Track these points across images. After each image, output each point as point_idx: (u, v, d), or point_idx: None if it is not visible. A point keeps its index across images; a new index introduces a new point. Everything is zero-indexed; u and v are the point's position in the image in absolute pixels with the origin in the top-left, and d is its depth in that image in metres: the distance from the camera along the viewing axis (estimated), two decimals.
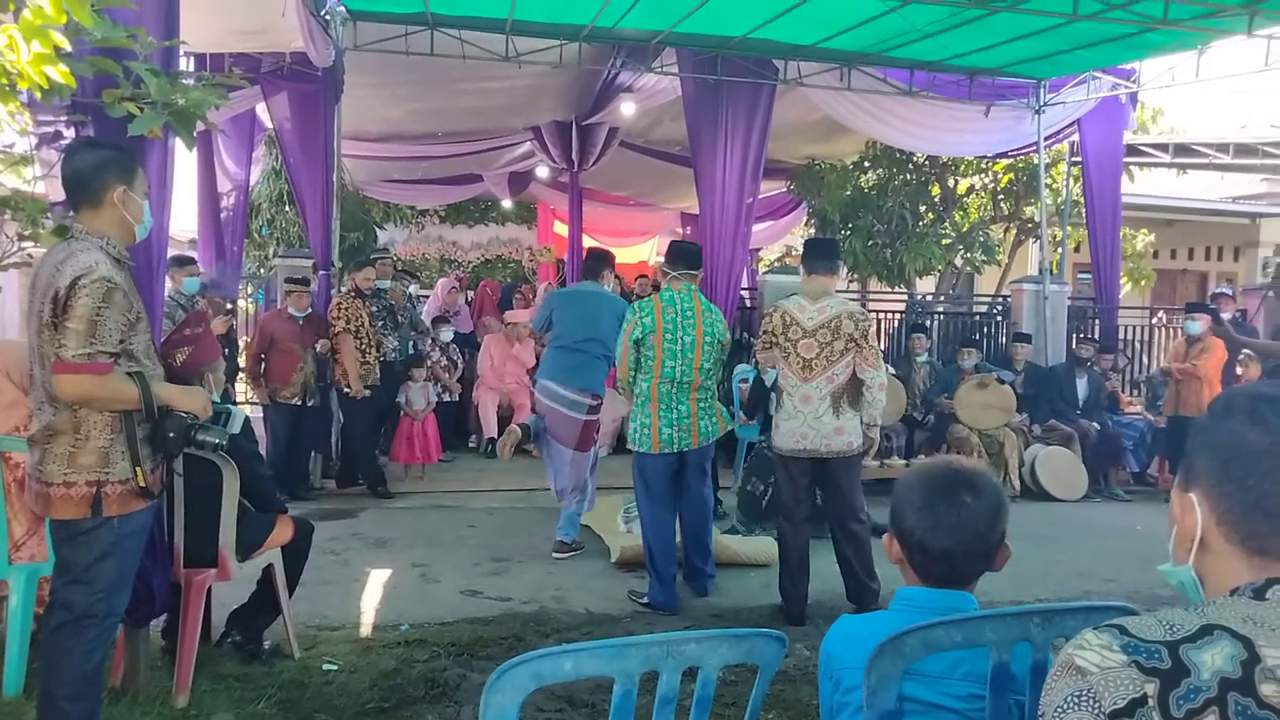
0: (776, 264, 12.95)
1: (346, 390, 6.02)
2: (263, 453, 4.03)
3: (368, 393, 6.08)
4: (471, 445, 7.61)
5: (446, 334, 7.46)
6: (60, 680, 2.32)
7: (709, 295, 6.30)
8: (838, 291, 4.21)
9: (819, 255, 4.07)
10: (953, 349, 7.72)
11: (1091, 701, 0.84)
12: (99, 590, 2.35)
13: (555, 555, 4.84)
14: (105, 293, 2.23)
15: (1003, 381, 6.93)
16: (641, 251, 15.14)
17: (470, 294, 9.44)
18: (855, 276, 9.56)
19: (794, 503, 4.05)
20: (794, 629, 3.85)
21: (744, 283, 8.36)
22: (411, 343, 7.30)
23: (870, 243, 8.76)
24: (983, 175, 9.85)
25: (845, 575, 4.05)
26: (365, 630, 3.76)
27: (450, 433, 7.20)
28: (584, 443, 4.61)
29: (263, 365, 6.07)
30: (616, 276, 10.05)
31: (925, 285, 10.87)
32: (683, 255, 4.28)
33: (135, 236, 2.43)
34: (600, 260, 4.94)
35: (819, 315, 3.93)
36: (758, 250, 13.80)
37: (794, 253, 14.58)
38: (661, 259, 5.52)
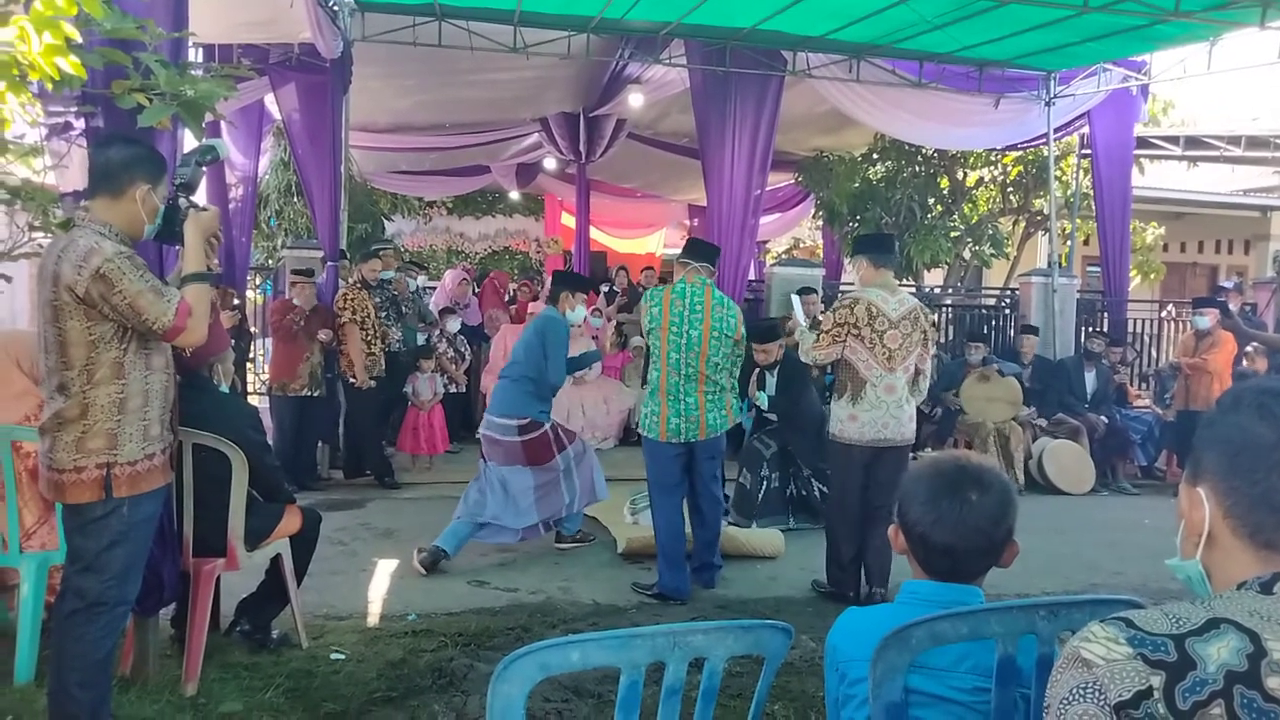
0: (784, 256, 12.91)
1: (352, 381, 6.04)
2: (270, 443, 4.04)
3: (373, 383, 6.09)
4: (478, 436, 7.65)
5: (454, 325, 7.47)
6: (71, 667, 2.35)
7: (722, 285, 6.29)
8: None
9: (886, 249, 4.19)
10: (961, 342, 7.69)
11: (1097, 693, 0.85)
12: (110, 578, 2.37)
13: (557, 545, 4.87)
14: (129, 259, 2.30)
15: (1003, 374, 6.90)
16: (649, 243, 15.13)
17: (475, 286, 9.49)
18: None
19: (853, 495, 4.08)
20: (798, 620, 3.86)
21: (751, 275, 8.36)
22: (421, 334, 7.32)
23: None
24: (992, 168, 9.80)
25: (877, 562, 4.08)
26: (373, 620, 3.78)
27: (457, 424, 7.22)
28: (534, 456, 4.50)
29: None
30: (622, 268, 10.12)
31: (934, 278, 10.84)
32: (702, 249, 4.31)
33: (143, 234, 2.45)
34: (561, 283, 4.75)
35: (900, 307, 4.03)
36: (765, 243, 13.77)
37: (802, 245, 14.53)
38: (668, 251, 5.52)
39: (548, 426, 4.52)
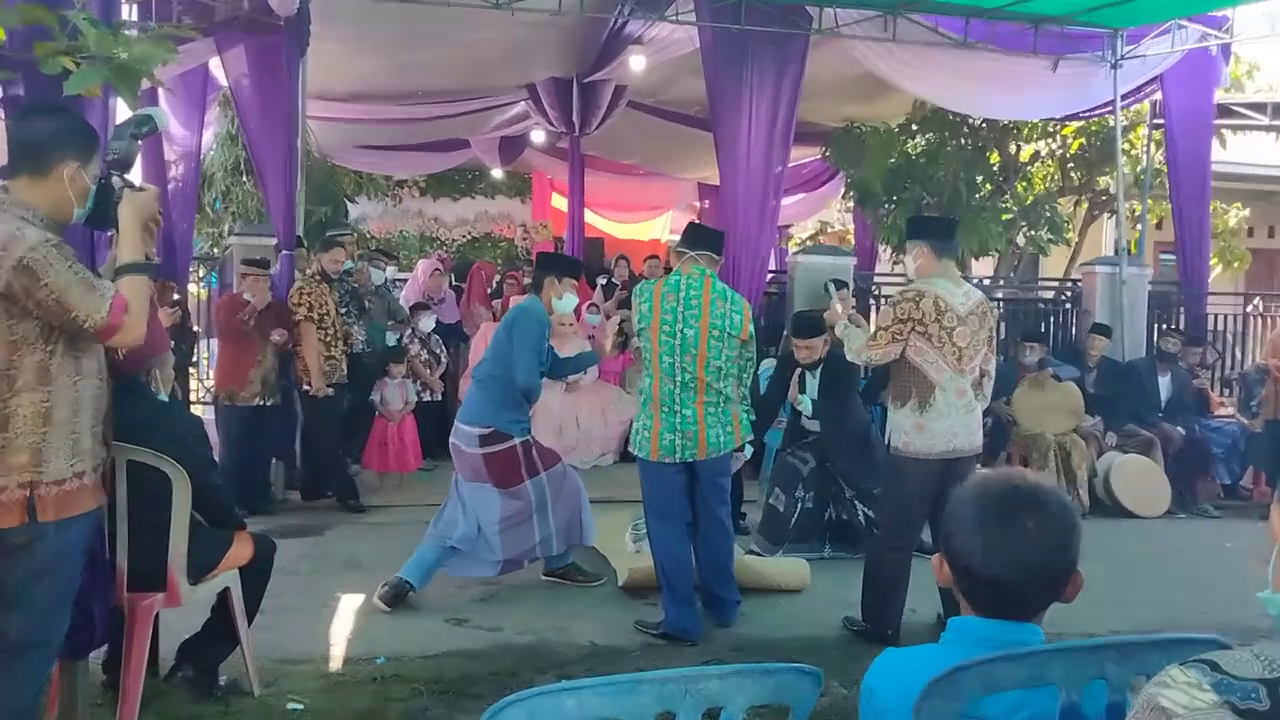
0: (809, 243, 12.92)
1: (307, 388, 6.06)
2: (217, 460, 4.05)
3: (330, 391, 6.11)
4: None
5: (427, 324, 7.49)
6: None
7: (730, 279, 6.30)
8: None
9: (949, 235, 4.22)
10: (1014, 342, 7.70)
11: None
12: (34, 615, 2.37)
13: (544, 577, 4.88)
14: (57, 248, 2.29)
15: (1059, 378, 6.90)
16: (653, 228, 15.17)
17: (451, 277, 9.48)
18: (898, 257, 9.55)
19: (917, 515, 4.11)
20: (827, 664, 3.85)
21: (772, 265, 8.37)
22: (391, 335, 7.31)
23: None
24: (1050, 140, 9.80)
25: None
26: (335, 664, 3.78)
27: (431, 437, 7.22)
28: (500, 475, 4.46)
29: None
30: (622, 257, 10.15)
31: (982, 268, 10.84)
32: (702, 236, 4.33)
33: (72, 218, 2.45)
34: (546, 267, 4.73)
35: (967, 300, 4.07)
36: (787, 227, 13.79)
37: (830, 229, 14.54)
38: (677, 238, 5.53)
39: (517, 441, 4.45)
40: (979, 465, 4.17)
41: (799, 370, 5.48)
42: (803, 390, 5.47)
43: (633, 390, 7.95)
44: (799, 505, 5.40)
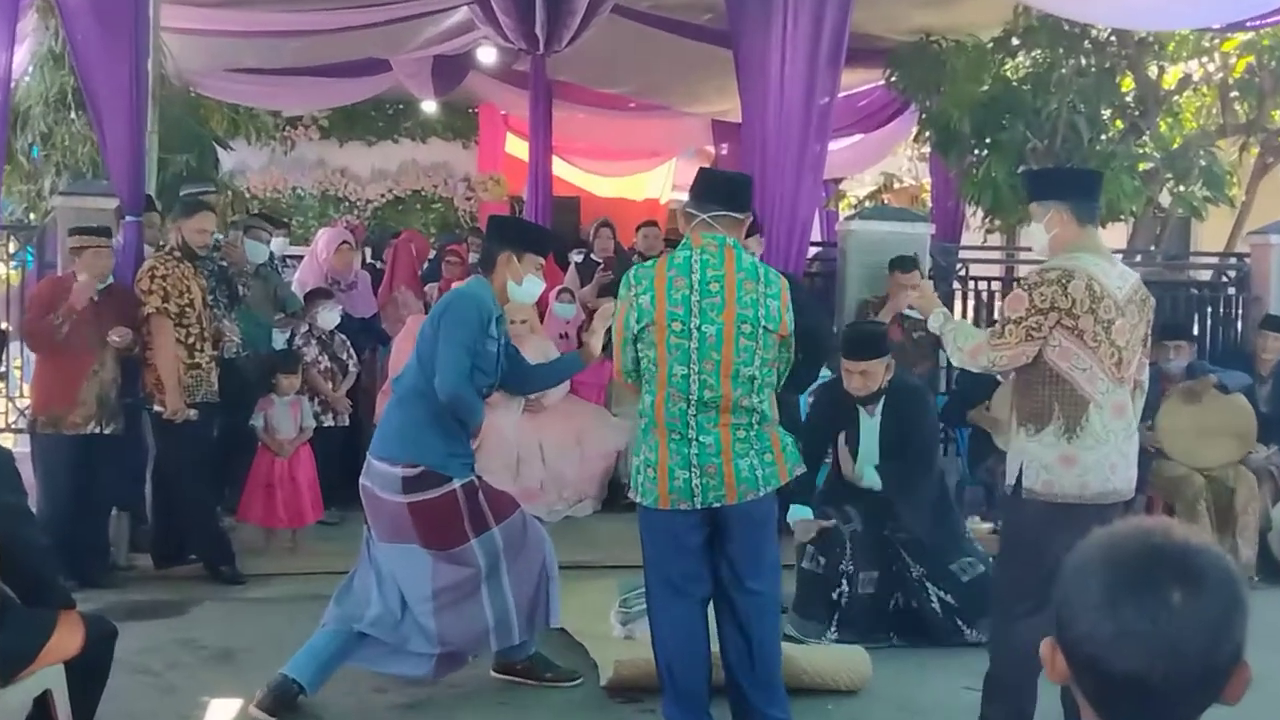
0: (868, 204, 12.94)
1: (161, 409, 6.06)
2: (34, 510, 4.02)
3: (193, 413, 6.11)
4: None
5: (329, 318, 7.47)
6: None
7: (762, 253, 6.32)
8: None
9: (1089, 192, 4.27)
10: (1153, 341, 7.72)
11: None
12: None
13: (496, 674, 4.90)
14: None
15: (1225, 389, 6.90)
16: (649, 183, 15.19)
17: (366, 253, 9.48)
18: (993, 224, 9.57)
19: (1048, 581, 4.08)
20: None
21: (815, 235, 8.39)
22: (279, 333, 7.33)
23: (1021, 168, 8.76)
24: (1205, 60, 9.83)
25: None
26: None
27: (336, 477, 7.19)
28: (432, 532, 4.44)
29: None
30: (605, 224, 10.16)
31: (1111, 237, 10.86)
32: (719, 189, 4.29)
33: None
34: (502, 237, 4.73)
35: (1124, 283, 4.12)
36: (837, 183, 13.81)
37: (896, 185, 14.53)
38: (682, 195, 5.51)
39: (458, 485, 4.44)
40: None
41: (852, 405, 5.57)
42: (856, 444, 5.54)
43: (621, 410, 7.96)
44: (847, 582, 5.43)
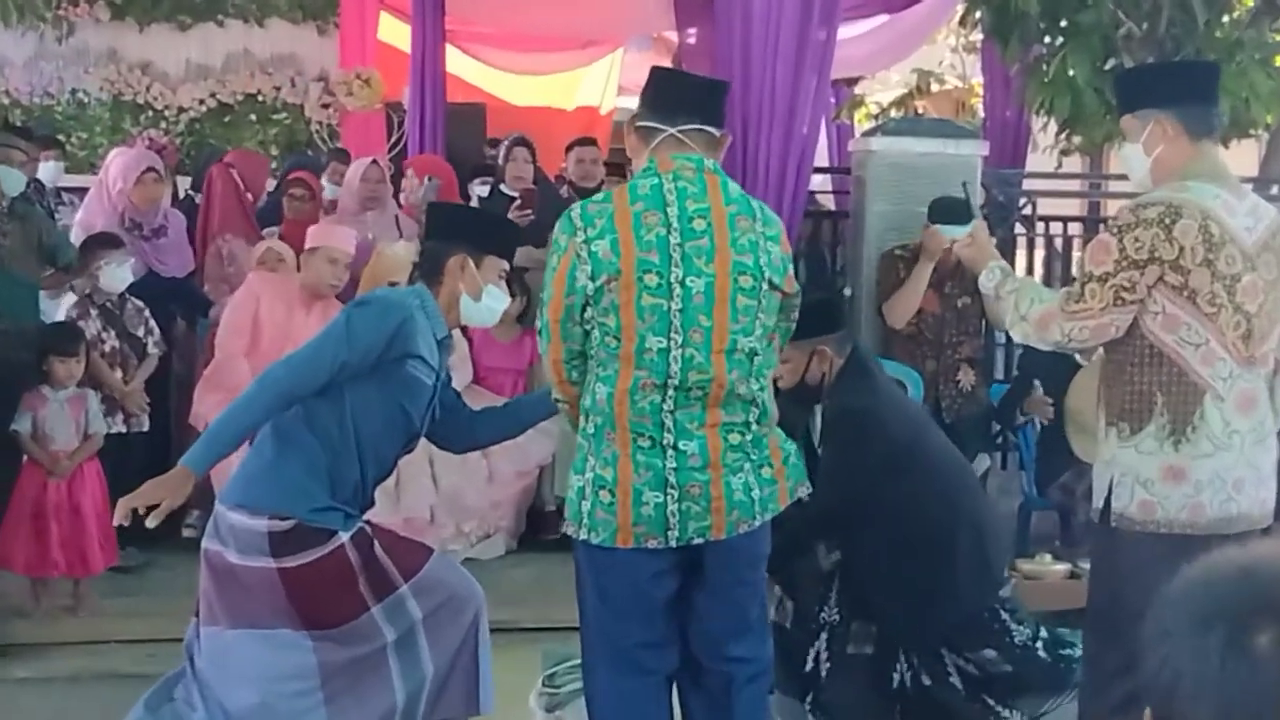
0: (895, 114, 12.99)
1: None
2: None
3: None
4: (189, 527, 7.58)
5: (117, 275, 7.38)
6: None
7: (745, 185, 6.31)
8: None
9: (1205, 95, 4.31)
10: None
11: None
12: None
13: None
14: None
15: None
16: (582, 86, 15.16)
17: (177, 186, 9.41)
18: (1070, 142, 9.62)
19: (1129, 641, 4.13)
20: None
21: (820, 158, 8.39)
22: (49, 299, 7.28)
23: (1109, 67, 8.82)
24: None
25: None
26: None
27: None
28: (320, 608, 4.46)
29: None
30: (521, 142, 10.13)
31: (1239, 159, 10.95)
32: (687, 95, 4.33)
33: None
34: (451, 234, 4.76)
35: (1255, 222, 4.14)
36: (852, 84, 13.84)
37: (933, 87, 14.58)
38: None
39: (346, 538, 4.46)
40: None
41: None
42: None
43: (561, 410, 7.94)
44: (829, 639, 5.35)
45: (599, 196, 4.28)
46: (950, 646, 5.27)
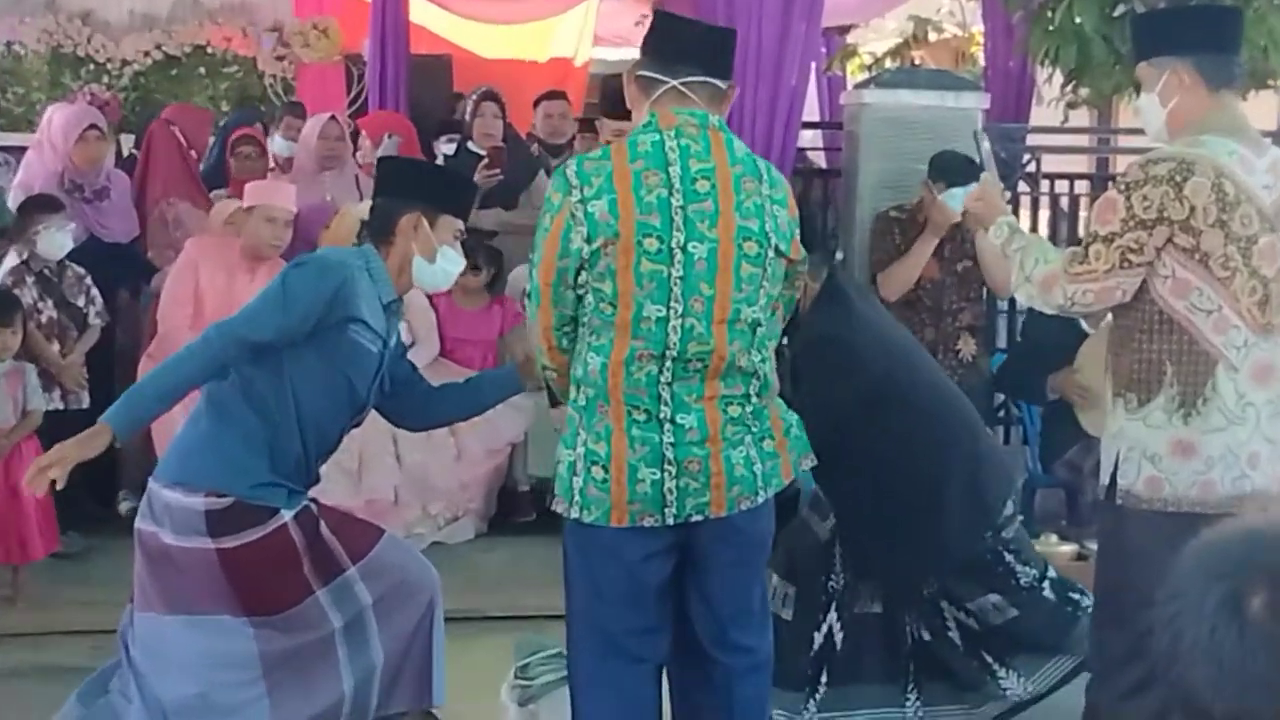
0: (889, 64, 13.00)
1: None
2: None
3: None
4: (125, 501, 7.64)
5: (56, 240, 7.36)
6: None
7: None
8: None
9: (1224, 41, 4.32)
10: None
11: None
12: None
13: None
14: None
15: None
16: (555, 35, 15.06)
17: (120, 145, 9.40)
18: (1077, 94, 9.63)
19: (1138, 625, 4.09)
20: None
21: (810, 112, 8.42)
22: None
23: (1119, 13, 8.83)
24: None
25: None
26: None
27: (79, 486, 7.11)
28: (261, 594, 4.47)
29: None
30: (489, 95, 10.13)
31: (1258, 112, 10.98)
32: (693, 44, 4.29)
33: None
34: (403, 191, 4.76)
35: (1274, 177, 4.14)
36: (844, 32, 13.82)
37: (930, 36, 14.58)
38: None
39: (289, 517, 4.47)
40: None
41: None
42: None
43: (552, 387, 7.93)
44: (838, 609, 5.36)
45: (596, 153, 4.21)
46: (950, 597, 5.29)
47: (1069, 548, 6.74)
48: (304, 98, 12.29)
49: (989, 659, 5.23)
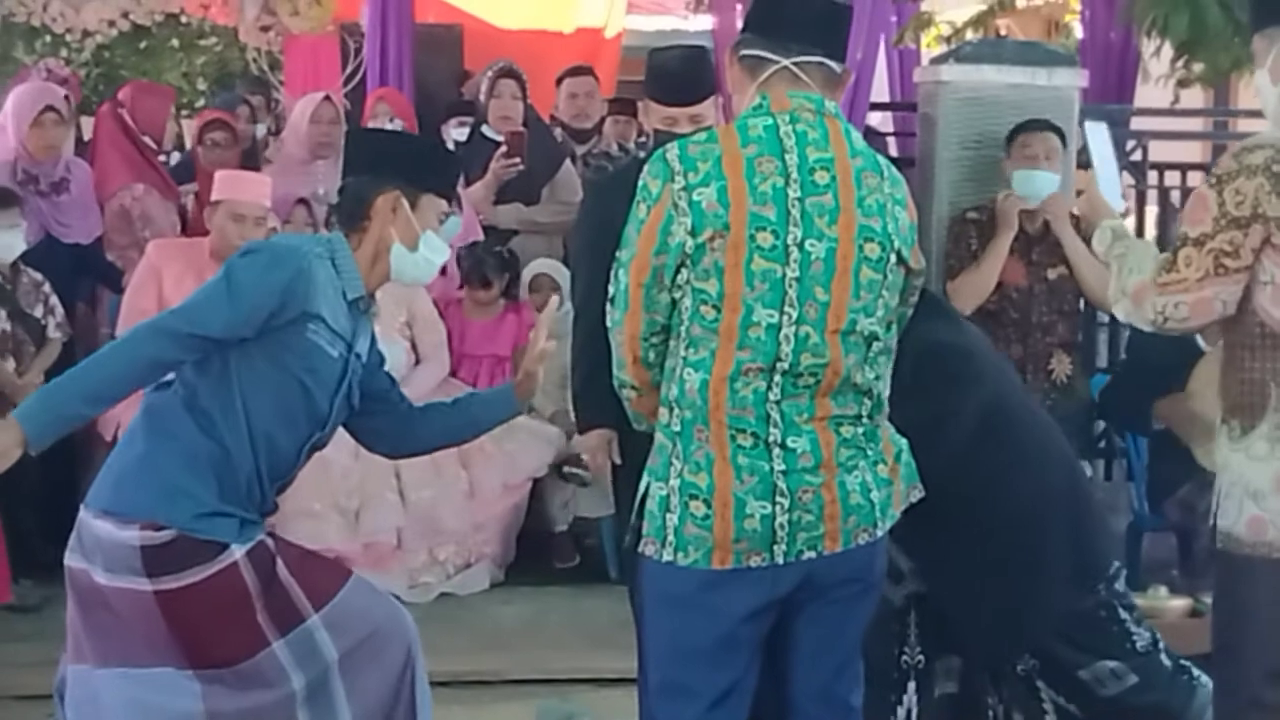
0: (971, 36, 13.00)
1: None
2: None
3: None
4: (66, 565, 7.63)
5: (7, 243, 7.39)
6: None
7: None
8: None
9: None
10: None
11: None
12: None
13: None
14: None
15: None
16: (583, 2, 15.13)
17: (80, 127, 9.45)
18: (1190, 70, 9.62)
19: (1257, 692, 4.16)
20: None
21: (878, 92, 8.42)
22: None
23: None
24: None
25: None
26: None
27: (35, 528, 7.32)
28: (200, 647, 4.41)
29: None
30: (508, 72, 10.16)
31: None
32: (804, 19, 4.27)
33: None
34: (370, 161, 4.71)
35: None
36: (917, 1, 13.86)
37: (1021, 3, 14.60)
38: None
39: (240, 554, 4.41)
40: None
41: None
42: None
43: (542, 400, 7.89)
44: (916, 686, 5.35)
45: (700, 136, 4.21)
46: (1049, 674, 5.23)
47: (1181, 602, 6.61)
48: (293, 75, 12.41)
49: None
